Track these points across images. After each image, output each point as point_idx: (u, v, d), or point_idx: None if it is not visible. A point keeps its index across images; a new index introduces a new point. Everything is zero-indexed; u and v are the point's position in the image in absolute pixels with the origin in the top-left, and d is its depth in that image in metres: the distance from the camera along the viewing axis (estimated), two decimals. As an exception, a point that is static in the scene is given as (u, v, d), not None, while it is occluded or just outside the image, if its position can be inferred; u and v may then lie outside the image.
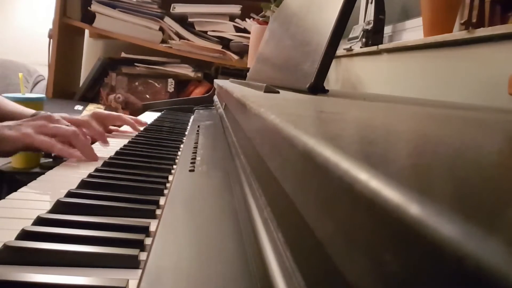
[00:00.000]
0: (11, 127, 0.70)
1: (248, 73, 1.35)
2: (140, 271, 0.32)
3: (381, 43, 1.09)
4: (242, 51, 2.01)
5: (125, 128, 1.11)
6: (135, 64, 2.08)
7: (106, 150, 0.81)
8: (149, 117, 1.35)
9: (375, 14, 1.10)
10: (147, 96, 2.09)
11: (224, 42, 2.05)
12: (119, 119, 1.06)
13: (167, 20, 2.05)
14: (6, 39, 2.47)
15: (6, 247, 0.33)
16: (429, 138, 0.21)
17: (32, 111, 0.90)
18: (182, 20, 2.06)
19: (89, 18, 2.04)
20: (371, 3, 1.11)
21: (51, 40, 2.00)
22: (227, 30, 2.05)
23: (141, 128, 1.07)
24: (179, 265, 0.30)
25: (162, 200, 0.49)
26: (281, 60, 0.87)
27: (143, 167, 0.64)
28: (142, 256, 0.34)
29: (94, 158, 0.74)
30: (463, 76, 0.74)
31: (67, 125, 0.75)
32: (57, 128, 0.72)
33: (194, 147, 0.73)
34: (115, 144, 0.86)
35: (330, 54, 0.57)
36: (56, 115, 0.78)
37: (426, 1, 0.83)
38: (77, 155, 0.73)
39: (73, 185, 0.52)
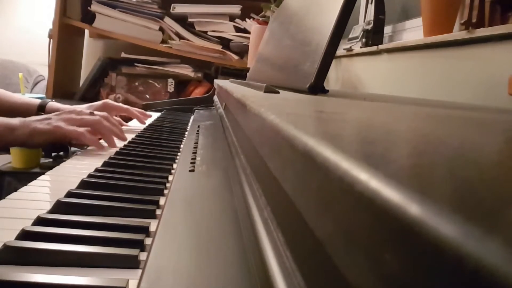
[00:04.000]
0: (41, 121, 0.79)
1: (248, 73, 1.35)
2: (140, 271, 0.32)
3: (381, 43, 1.09)
4: (242, 51, 2.01)
5: (132, 123, 1.21)
6: (135, 64, 2.08)
7: (107, 148, 0.82)
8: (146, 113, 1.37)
9: (375, 14, 1.10)
10: (147, 96, 2.09)
11: (224, 42, 2.05)
12: (127, 111, 1.16)
13: (167, 20, 2.05)
14: (6, 39, 2.47)
15: (6, 247, 0.33)
16: (429, 138, 0.21)
17: (37, 101, 1.02)
18: (182, 20, 2.06)
19: (89, 18, 2.04)
20: (371, 3, 1.11)
21: (51, 40, 1.99)
22: (227, 30, 2.05)
23: (146, 120, 1.19)
24: (179, 265, 0.30)
25: (162, 200, 0.49)
26: (281, 60, 0.87)
27: (143, 167, 0.64)
28: (142, 256, 0.34)
29: (122, 139, 0.84)
30: (463, 76, 0.74)
31: (91, 114, 0.85)
32: (84, 119, 0.81)
33: (194, 147, 0.73)
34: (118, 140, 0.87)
35: (330, 54, 0.57)
36: (62, 108, 0.90)
37: (426, 1, 0.83)
38: (102, 145, 0.81)
39: (73, 185, 0.52)
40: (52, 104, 1.04)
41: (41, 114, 0.95)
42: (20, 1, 2.58)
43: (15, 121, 0.77)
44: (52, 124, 0.78)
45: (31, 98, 1.07)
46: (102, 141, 0.85)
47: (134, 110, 1.17)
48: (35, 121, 0.78)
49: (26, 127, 0.76)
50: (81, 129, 0.79)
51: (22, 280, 0.29)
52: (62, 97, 2.03)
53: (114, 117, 0.96)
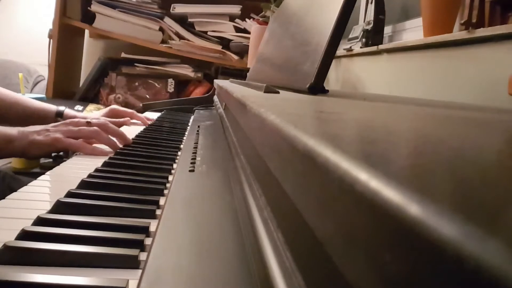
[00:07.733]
0: (39, 133, 0.76)
1: (248, 73, 1.35)
2: (140, 271, 0.32)
3: (381, 43, 1.09)
4: (242, 51, 2.01)
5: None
6: (135, 64, 2.08)
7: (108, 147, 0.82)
8: (149, 117, 1.37)
9: (375, 14, 1.10)
10: (147, 96, 2.09)
11: (224, 42, 2.05)
12: (131, 115, 1.25)
13: (167, 20, 2.05)
14: (6, 39, 2.47)
15: (6, 247, 0.33)
16: (429, 138, 0.21)
17: (54, 108, 1.03)
18: (182, 20, 2.06)
19: (89, 18, 2.04)
20: (371, 3, 1.11)
21: (51, 40, 1.99)
22: (227, 30, 2.05)
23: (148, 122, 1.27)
24: (179, 265, 0.30)
25: (162, 200, 0.49)
26: (281, 60, 0.87)
27: (143, 167, 0.64)
28: (142, 256, 0.34)
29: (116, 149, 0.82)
30: (463, 76, 0.74)
31: (88, 123, 0.84)
32: (82, 131, 0.80)
33: (194, 147, 0.73)
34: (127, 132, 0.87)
35: (330, 54, 0.57)
36: (79, 116, 0.89)
37: (426, 1, 0.83)
38: (105, 152, 0.80)
39: (73, 185, 0.52)
40: (69, 111, 1.05)
41: (59, 121, 0.96)
42: (20, 1, 2.58)
43: (13, 131, 0.75)
44: (51, 136, 0.76)
45: (48, 104, 1.08)
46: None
47: (139, 115, 1.31)
48: (33, 133, 0.76)
49: (24, 138, 0.74)
50: (80, 142, 0.78)
51: (22, 280, 0.29)
52: (62, 97, 2.03)
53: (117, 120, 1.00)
